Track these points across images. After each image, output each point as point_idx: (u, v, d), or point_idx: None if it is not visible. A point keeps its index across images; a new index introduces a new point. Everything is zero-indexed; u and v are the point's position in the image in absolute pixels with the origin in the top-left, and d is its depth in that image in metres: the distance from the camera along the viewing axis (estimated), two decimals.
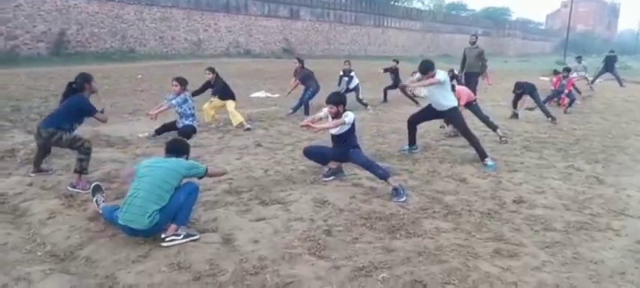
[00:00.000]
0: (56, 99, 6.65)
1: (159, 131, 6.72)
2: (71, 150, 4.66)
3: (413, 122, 6.22)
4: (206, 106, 7.79)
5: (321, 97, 9.81)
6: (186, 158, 3.72)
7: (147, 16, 26.08)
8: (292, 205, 4.12)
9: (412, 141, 6.25)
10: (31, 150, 5.42)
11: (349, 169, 5.14)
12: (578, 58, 15.98)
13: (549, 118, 8.98)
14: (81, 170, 4.39)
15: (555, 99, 11.08)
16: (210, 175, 3.83)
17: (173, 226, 3.30)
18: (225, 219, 3.76)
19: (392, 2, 46.14)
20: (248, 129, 7.48)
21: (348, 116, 4.67)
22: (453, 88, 6.48)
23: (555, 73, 12.04)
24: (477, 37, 11.10)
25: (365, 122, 8.33)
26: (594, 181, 5.14)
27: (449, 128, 7.57)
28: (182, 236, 3.28)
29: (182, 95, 6.38)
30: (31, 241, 3.31)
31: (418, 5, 48.95)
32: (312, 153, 5.07)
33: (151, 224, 3.20)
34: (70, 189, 4.29)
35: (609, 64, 17.77)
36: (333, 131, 4.83)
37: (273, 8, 33.03)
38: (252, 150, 6.24)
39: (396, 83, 11.29)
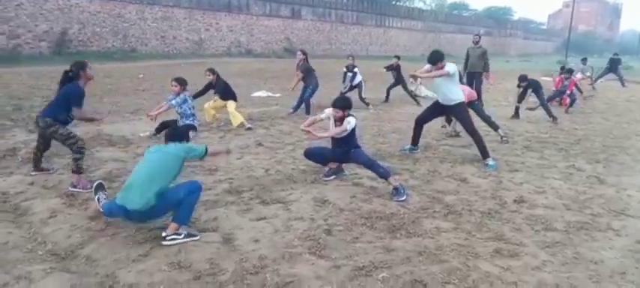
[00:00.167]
0: None
1: (159, 130, 6.72)
2: (66, 147, 4.66)
3: (421, 121, 6.15)
4: (207, 105, 7.79)
5: (321, 96, 9.87)
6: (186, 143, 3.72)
7: (148, 15, 26.14)
8: (293, 204, 4.12)
9: (415, 141, 6.22)
10: (33, 149, 5.42)
11: (350, 168, 5.14)
12: (584, 60, 16.02)
13: (551, 118, 8.97)
14: (77, 170, 4.39)
15: (557, 99, 11.08)
16: (212, 155, 3.82)
17: (174, 226, 3.30)
18: (225, 218, 3.77)
19: (393, 2, 46.19)
20: (249, 128, 7.48)
21: (350, 123, 4.67)
22: None
23: (562, 69, 12.05)
24: (480, 37, 11.05)
25: (366, 122, 8.32)
26: (595, 181, 5.14)
27: (450, 128, 7.57)
28: (183, 236, 3.29)
29: (182, 95, 6.39)
30: (32, 240, 3.32)
31: (420, 5, 49.04)
32: (312, 154, 5.06)
33: (147, 206, 3.20)
34: (71, 189, 4.30)
35: (613, 66, 17.79)
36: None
37: (274, 8, 33.09)
38: (253, 149, 6.24)
39: (398, 81, 11.27)
